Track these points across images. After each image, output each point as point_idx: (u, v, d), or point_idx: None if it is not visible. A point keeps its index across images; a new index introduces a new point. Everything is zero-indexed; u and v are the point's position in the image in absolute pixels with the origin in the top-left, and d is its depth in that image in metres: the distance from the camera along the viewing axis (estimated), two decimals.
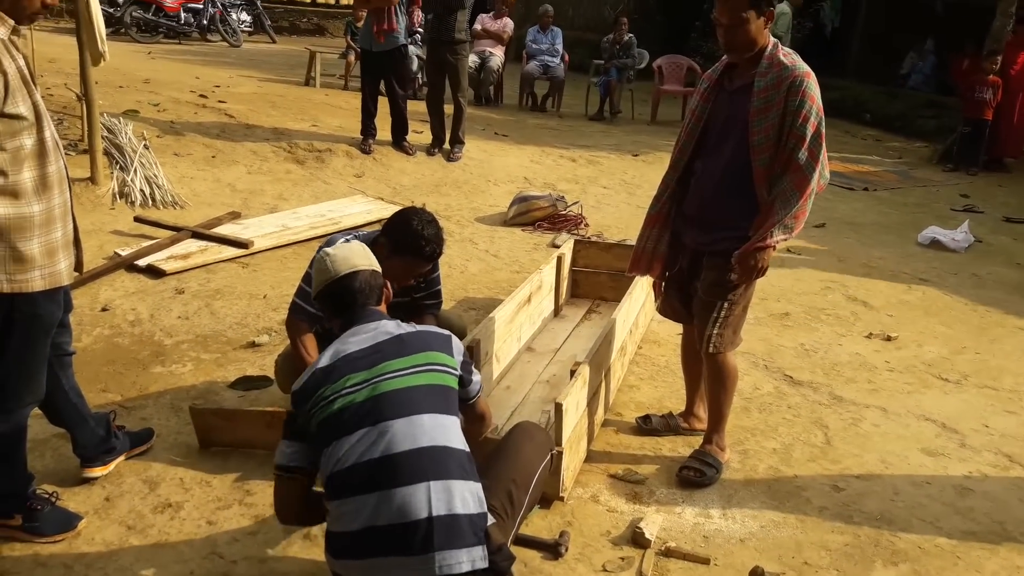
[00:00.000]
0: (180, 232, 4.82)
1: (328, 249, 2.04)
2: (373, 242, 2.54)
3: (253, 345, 3.66)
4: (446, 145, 6.86)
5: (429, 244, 2.51)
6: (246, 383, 3.30)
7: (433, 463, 1.71)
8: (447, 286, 4.31)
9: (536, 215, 5.54)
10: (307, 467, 1.84)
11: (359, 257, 2.03)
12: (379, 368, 1.81)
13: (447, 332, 1.99)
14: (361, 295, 1.97)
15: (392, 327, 1.94)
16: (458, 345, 1.96)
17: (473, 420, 2.06)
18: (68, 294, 2.40)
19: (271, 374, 3.22)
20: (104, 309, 3.96)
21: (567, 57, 9.30)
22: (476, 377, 2.00)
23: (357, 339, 1.88)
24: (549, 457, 1.98)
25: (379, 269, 2.06)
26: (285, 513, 1.90)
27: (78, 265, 2.36)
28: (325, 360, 1.86)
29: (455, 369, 1.91)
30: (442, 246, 2.57)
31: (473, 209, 5.86)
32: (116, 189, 5.34)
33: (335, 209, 5.42)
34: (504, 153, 7.29)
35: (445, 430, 1.78)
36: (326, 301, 1.98)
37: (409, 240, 2.48)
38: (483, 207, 5.93)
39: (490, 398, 3.03)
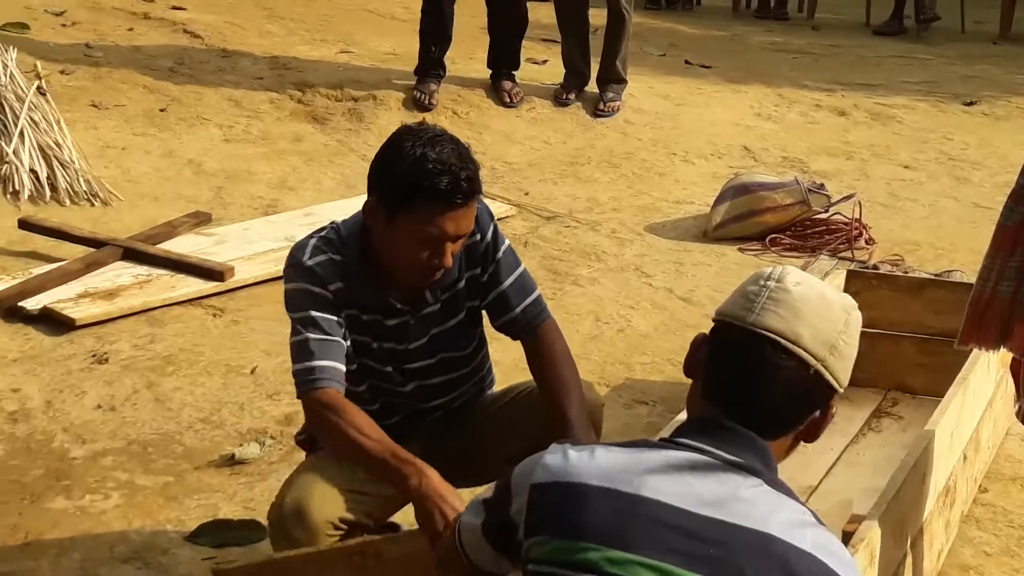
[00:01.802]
0: (101, 249, 4.91)
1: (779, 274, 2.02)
2: (362, 217, 2.69)
3: (231, 462, 3.73)
4: (590, 87, 7.02)
5: (444, 171, 2.52)
6: (217, 533, 3.37)
7: None
8: (593, 351, 4.46)
9: (768, 220, 5.53)
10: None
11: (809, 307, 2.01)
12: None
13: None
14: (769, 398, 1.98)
15: (746, 490, 1.88)
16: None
17: None
18: None
19: (261, 517, 3.16)
20: None
21: None
22: None
23: (671, 480, 1.87)
24: None
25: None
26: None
27: None
28: (595, 475, 1.89)
29: None
30: (473, 171, 2.59)
31: (641, 208, 5.95)
32: None
33: None
34: (703, 100, 7.48)
35: None
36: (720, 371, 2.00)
37: (406, 174, 2.54)
38: (661, 204, 6.04)
39: None
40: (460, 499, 2.45)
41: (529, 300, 2.85)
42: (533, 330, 2.85)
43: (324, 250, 2.67)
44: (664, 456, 1.89)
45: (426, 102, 6.67)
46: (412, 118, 6.61)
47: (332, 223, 2.78)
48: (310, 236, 2.74)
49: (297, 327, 2.69)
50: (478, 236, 2.74)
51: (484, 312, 2.88)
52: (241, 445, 3.78)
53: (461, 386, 2.95)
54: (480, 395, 3.00)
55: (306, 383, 2.65)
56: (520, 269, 2.86)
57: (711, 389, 1.96)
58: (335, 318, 2.64)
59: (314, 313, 2.68)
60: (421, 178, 2.52)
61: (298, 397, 2.69)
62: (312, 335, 2.65)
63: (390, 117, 6.49)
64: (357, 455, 2.60)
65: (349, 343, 2.69)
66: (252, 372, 4.23)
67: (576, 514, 1.86)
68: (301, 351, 2.66)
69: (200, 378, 4.19)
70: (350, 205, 5.49)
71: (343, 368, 2.67)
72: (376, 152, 2.66)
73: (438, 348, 2.79)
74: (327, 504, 2.63)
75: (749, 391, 1.92)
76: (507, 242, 2.84)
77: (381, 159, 2.63)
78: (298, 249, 2.71)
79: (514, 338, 2.90)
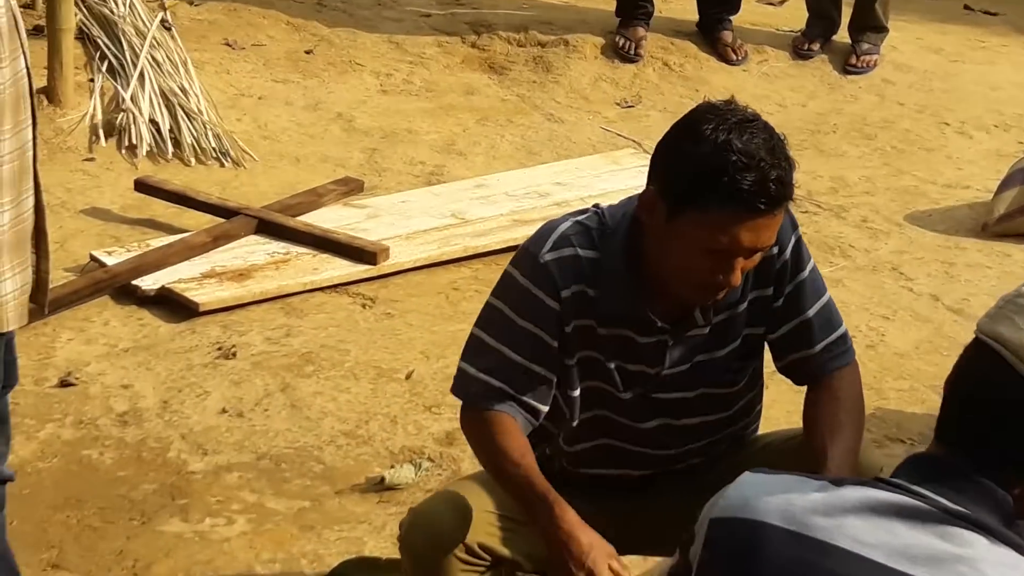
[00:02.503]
0: (231, 220, 5.02)
1: None
2: (635, 208, 2.67)
3: (380, 486, 3.77)
4: (840, 35, 7.07)
5: (749, 166, 2.49)
6: (361, 574, 3.38)
7: None
8: None
9: None
10: None
11: None
12: None
13: None
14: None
15: (971, 548, 1.84)
16: None
17: None
18: (12, 352, 2.72)
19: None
20: (64, 383, 4.18)
21: None
22: None
23: (872, 527, 1.88)
24: None
25: None
26: None
27: (38, 293, 2.69)
28: (780, 514, 1.92)
29: None
30: (786, 170, 2.54)
31: (900, 192, 5.90)
32: (99, 117, 5.56)
33: (574, 179, 5.63)
34: (986, 56, 7.41)
35: None
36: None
37: (701, 164, 2.51)
38: (927, 187, 5.97)
39: None
40: (604, 550, 2.47)
41: (834, 336, 2.84)
42: (828, 374, 2.83)
43: (573, 242, 2.64)
44: (866, 496, 1.87)
45: (630, 50, 6.74)
46: (611, 69, 6.68)
47: (595, 207, 2.76)
48: (565, 219, 2.73)
49: (495, 330, 2.71)
50: (775, 250, 2.71)
51: (768, 345, 2.85)
52: (392, 467, 3.79)
53: (718, 432, 2.90)
54: (739, 450, 2.95)
55: (478, 396, 2.70)
56: (826, 297, 2.84)
57: (942, 418, 1.94)
58: (553, 341, 2.63)
59: (525, 325, 2.68)
60: (719, 172, 2.47)
61: (457, 396, 2.75)
62: (512, 355, 2.67)
63: (584, 68, 6.59)
64: (498, 477, 2.67)
65: (574, 361, 2.67)
66: (407, 377, 4.23)
67: (751, 561, 1.88)
68: (489, 364, 2.69)
69: (345, 382, 4.20)
70: (531, 176, 5.72)
71: (538, 408, 2.70)
72: (666, 132, 2.64)
73: (701, 380, 2.74)
74: (469, 523, 2.68)
75: (987, 425, 1.88)
76: (812, 261, 2.82)
77: (671, 140, 2.59)
78: (543, 233, 2.69)
79: (799, 382, 2.87)
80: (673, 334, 2.69)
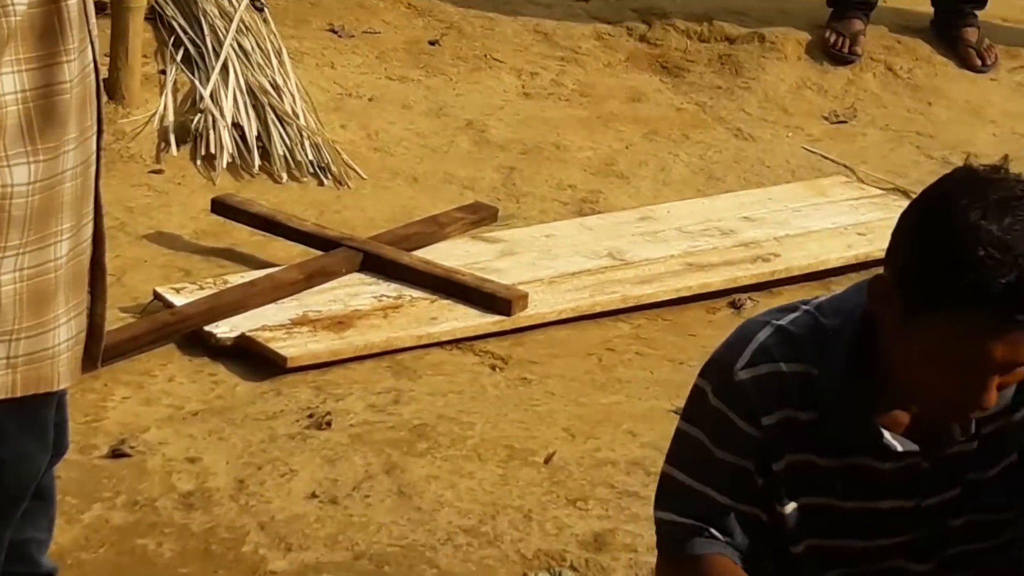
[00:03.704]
0: (330, 253, 5.09)
1: None
2: (866, 298, 2.65)
3: None
4: None
5: (1006, 263, 2.46)
6: None
7: None
8: None
9: None
10: None
11: None
12: None
13: None
14: None
15: None
16: None
17: None
18: (64, 412, 2.89)
19: None
20: (117, 453, 4.25)
21: None
22: None
23: None
24: None
25: None
26: None
27: (91, 341, 2.78)
28: None
29: None
30: None
31: None
32: (170, 118, 5.67)
33: (766, 213, 5.70)
34: None
35: None
36: None
37: (945, 253, 2.50)
38: None
39: None
40: None
41: None
42: None
43: (774, 355, 2.62)
44: None
45: (844, 49, 6.77)
46: (819, 73, 6.65)
47: (805, 303, 2.74)
48: (764, 322, 2.72)
49: (690, 465, 2.74)
50: None
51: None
52: (526, 575, 3.81)
53: (982, 562, 2.88)
54: None
55: (681, 543, 2.73)
56: None
57: None
58: (758, 478, 2.63)
59: (724, 456, 2.69)
60: (965, 267, 2.45)
61: (661, 552, 2.77)
62: (715, 495, 2.69)
63: (784, 71, 6.65)
64: None
65: (793, 509, 2.66)
66: (547, 461, 4.27)
67: None
68: (690, 507, 2.72)
69: (467, 464, 4.24)
70: (711, 208, 5.70)
71: (746, 544, 2.71)
72: (910, 202, 2.61)
73: (969, 505, 2.73)
74: None
75: None
76: None
77: (912, 214, 2.60)
78: (737, 340, 2.69)
79: None
80: (927, 454, 2.68)
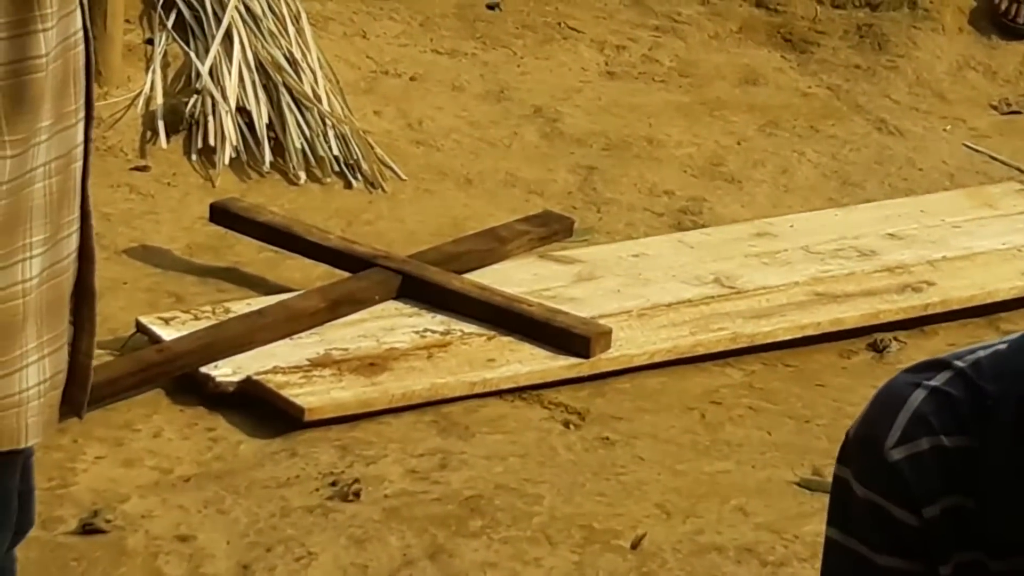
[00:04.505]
0: (361, 274, 5.22)
1: None
2: None
3: None
4: None
5: None
6: None
7: None
8: None
9: None
10: None
11: None
12: None
13: None
14: None
15: None
16: None
17: None
18: (29, 479, 2.98)
19: None
20: (89, 528, 4.25)
21: None
22: None
23: None
24: None
25: None
26: None
27: (73, 387, 2.79)
28: None
29: None
30: None
31: None
32: (159, 100, 5.91)
33: (918, 230, 5.93)
34: None
35: None
36: None
37: None
38: None
39: None
40: None
41: None
42: None
43: (933, 425, 2.51)
44: None
45: (1020, 18, 6.85)
46: (986, 50, 6.86)
47: (965, 359, 2.61)
48: (913, 382, 2.60)
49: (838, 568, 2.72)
50: None
51: None
52: None
53: None
54: None
55: None
56: None
57: None
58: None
59: (888, 562, 2.59)
60: None
61: None
62: None
63: (940, 46, 6.76)
64: None
65: None
66: (634, 547, 4.27)
67: None
68: None
69: (533, 548, 4.24)
70: (847, 221, 5.87)
71: None
72: None
73: None
74: None
75: None
76: None
77: None
78: (883, 409, 2.57)
79: None
80: None
